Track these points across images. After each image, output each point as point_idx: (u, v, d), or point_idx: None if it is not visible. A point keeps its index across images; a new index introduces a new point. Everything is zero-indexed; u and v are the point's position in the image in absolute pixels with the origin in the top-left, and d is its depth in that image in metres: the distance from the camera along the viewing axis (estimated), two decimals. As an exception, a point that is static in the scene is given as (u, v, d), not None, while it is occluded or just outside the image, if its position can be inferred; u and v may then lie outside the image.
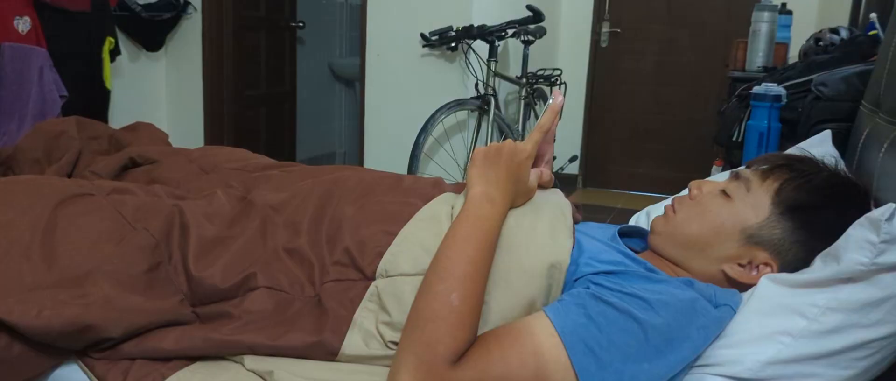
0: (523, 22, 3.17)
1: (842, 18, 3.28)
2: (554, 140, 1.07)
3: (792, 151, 1.24)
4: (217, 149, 1.45)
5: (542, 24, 3.25)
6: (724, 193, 1.00)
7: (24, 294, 0.90)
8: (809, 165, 1.00)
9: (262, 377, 0.91)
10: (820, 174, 0.98)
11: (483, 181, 0.95)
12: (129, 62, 3.54)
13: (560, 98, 1.02)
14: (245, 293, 0.98)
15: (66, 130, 1.42)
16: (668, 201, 1.09)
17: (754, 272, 0.96)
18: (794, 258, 0.95)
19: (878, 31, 2.16)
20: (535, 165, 1.03)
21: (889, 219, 0.84)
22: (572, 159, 4.14)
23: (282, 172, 1.29)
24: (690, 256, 1.00)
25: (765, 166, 1.00)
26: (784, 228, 0.95)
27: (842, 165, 1.03)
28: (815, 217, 0.95)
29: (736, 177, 1.01)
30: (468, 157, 3.23)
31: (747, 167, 1.03)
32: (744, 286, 0.97)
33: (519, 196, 0.99)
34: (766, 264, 0.96)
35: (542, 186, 1.07)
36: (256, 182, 1.24)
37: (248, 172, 1.31)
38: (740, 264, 0.97)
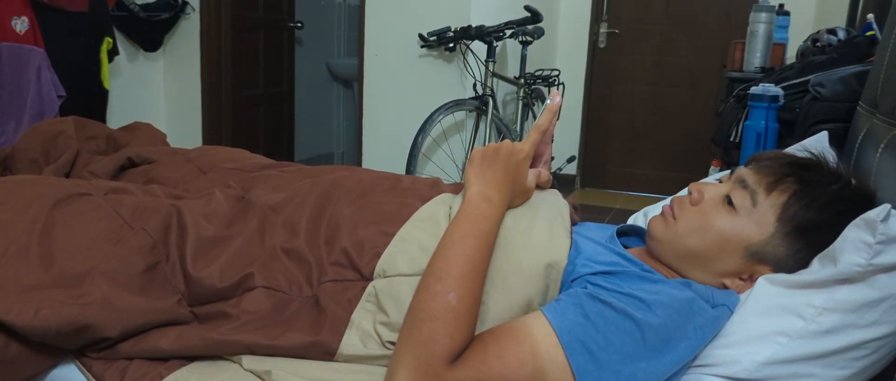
0: (521, 22, 3.17)
1: (839, 19, 3.29)
2: (552, 140, 1.06)
3: (793, 149, 1.21)
4: (215, 149, 1.45)
5: (540, 24, 3.25)
6: (729, 202, 0.96)
7: (21, 294, 0.90)
8: (817, 173, 0.96)
9: (259, 377, 0.91)
10: (828, 188, 0.94)
11: (480, 181, 0.95)
12: (127, 62, 3.53)
13: (558, 98, 1.02)
14: (243, 293, 0.98)
15: (63, 130, 1.42)
16: (667, 201, 1.08)
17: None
18: (795, 267, 0.95)
19: (875, 31, 2.16)
20: (533, 165, 1.03)
21: (885, 220, 0.84)
22: (570, 160, 4.15)
23: (280, 172, 1.29)
24: (691, 268, 0.99)
25: (771, 178, 0.96)
26: (789, 247, 0.93)
27: (841, 166, 1.01)
28: (822, 236, 0.92)
29: (741, 185, 0.97)
30: (466, 157, 3.23)
31: (749, 164, 1.00)
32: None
33: (517, 196, 0.99)
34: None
35: (540, 187, 1.07)
36: (254, 182, 1.24)
37: (246, 172, 1.31)
38: (741, 278, 0.97)
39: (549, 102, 1.02)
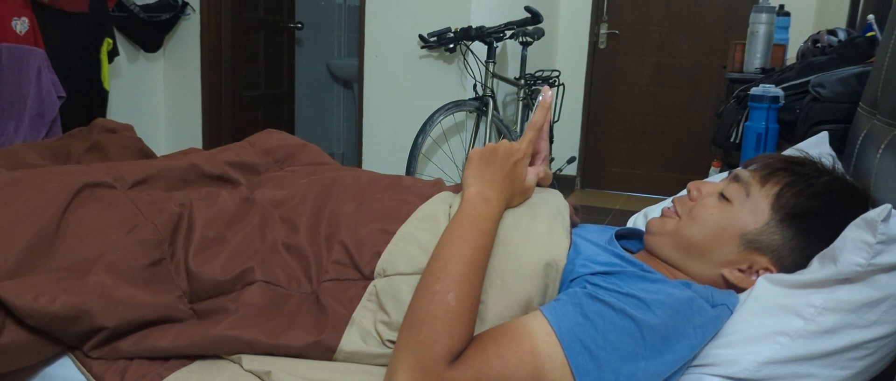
0: (521, 23, 3.17)
1: (839, 20, 3.29)
2: (552, 139, 1.07)
3: (789, 151, 1.23)
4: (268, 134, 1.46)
5: (540, 25, 3.25)
6: (724, 196, 0.99)
7: (22, 278, 0.90)
8: (809, 168, 0.99)
9: (259, 377, 0.90)
10: (819, 179, 0.97)
11: (478, 182, 0.95)
12: (127, 63, 3.53)
13: (549, 94, 1.03)
14: (242, 288, 0.98)
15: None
16: (666, 203, 1.08)
17: (754, 277, 0.96)
18: (793, 263, 0.95)
19: (875, 32, 2.16)
20: (531, 162, 1.03)
21: (885, 220, 0.84)
22: (571, 161, 4.14)
23: (284, 172, 1.30)
24: (689, 260, 1.00)
25: (764, 172, 0.99)
26: (783, 234, 0.95)
27: (839, 165, 1.02)
28: (815, 224, 0.94)
29: (735, 179, 1.00)
30: (466, 158, 3.23)
31: (745, 167, 1.03)
32: (742, 290, 0.97)
33: (515, 196, 0.99)
34: (766, 270, 0.96)
35: (540, 183, 1.07)
36: (262, 183, 1.25)
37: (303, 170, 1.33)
38: (740, 270, 0.97)
39: (540, 98, 1.03)
